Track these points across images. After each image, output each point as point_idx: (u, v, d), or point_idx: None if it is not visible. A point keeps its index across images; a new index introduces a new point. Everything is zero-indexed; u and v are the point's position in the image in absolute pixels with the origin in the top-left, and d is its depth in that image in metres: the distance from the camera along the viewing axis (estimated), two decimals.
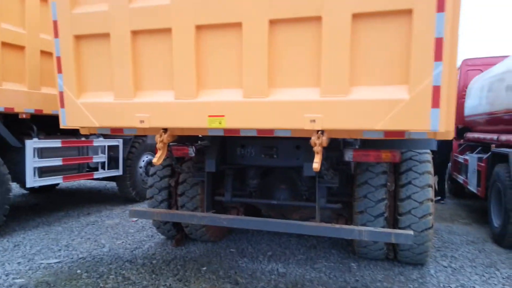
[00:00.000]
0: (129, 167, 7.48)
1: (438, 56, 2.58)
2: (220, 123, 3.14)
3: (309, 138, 3.04)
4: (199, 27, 3.09)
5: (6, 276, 3.97)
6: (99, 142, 6.81)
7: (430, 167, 4.19)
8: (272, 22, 2.91)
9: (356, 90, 2.82)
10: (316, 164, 3.03)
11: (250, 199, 4.76)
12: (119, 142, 7.16)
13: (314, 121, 2.90)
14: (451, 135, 2.99)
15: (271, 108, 3.01)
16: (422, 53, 2.61)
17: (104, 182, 10.08)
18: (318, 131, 3.02)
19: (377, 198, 4.08)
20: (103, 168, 6.98)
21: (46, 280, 3.87)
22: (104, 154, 6.96)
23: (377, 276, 4.11)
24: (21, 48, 5.49)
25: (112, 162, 7.17)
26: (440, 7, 2.53)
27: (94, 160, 6.76)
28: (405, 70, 2.69)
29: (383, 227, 4.01)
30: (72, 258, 4.54)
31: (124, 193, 7.68)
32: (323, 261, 4.55)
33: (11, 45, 5.34)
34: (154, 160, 3.55)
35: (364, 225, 4.04)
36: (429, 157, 4.29)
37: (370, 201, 4.10)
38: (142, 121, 3.35)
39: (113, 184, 8.99)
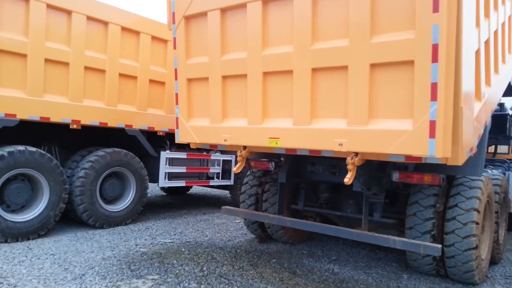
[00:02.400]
0: (240, 179, 8.92)
1: (433, 97, 3.24)
2: (276, 143, 4.21)
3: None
4: (265, 73, 4.24)
5: (136, 245, 5.62)
6: (215, 156, 8.40)
7: (478, 193, 4.53)
8: (314, 70, 3.90)
9: (373, 122, 3.61)
10: (347, 179, 3.85)
11: (319, 209, 5.65)
12: (232, 157, 8.67)
13: (341, 144, 3.76)
14: (460, 161, 3.53)
15: (312, 133, 3.97)
16: (421, 94, 3.30)
17: (226, 192, 11.82)
18: (353, 153, 3.85)
19: (425, 217, 4.60)
20: (218, 177, 8.54)
21: (160, 252, 5.37)
22: (219, 166, 8.52)
23: (420, 287, 4.59)
24: (134, 77, 6.92)
25: (226, 174, 8.71)
26: (434, 59, 3.21)
27: (211, 171, 8.37)
28: (410, 107, 3.40)
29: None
30: (181, 240, 6.04)
31: (235, 200, 9.14)
32: (378, 269, 5.16)
33: (129, 76, 6.84)
34: (234, 169, 4.78)
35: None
36: (480, 184, 4.62)
37: (418, 219, 4.64)
38: (225, 140, 4.62)
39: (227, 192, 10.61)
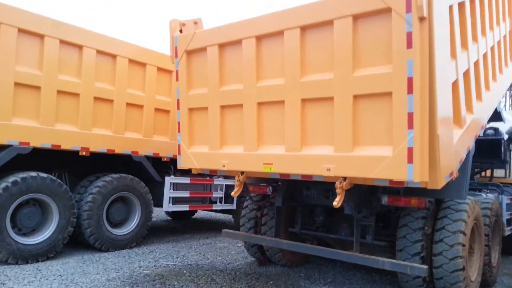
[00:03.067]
0: (242, 203, 9.15)
1: (410, 125, 3.53)
2: (270, 169, 4.50)
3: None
4: (259, 104, 4.57)
5: (139, 268, 5.85)
6: (218, 181, 8.68)
7: (464, 215, 4.74)
8: (303, 101, 4.22)
9: (357, 148, 3.89)
10: (336, 202, 4.10)
11: (315, 232, 5.86)
12: (234, 182, 8.92)
13: (329, 169, 4.04)
14: (439, 185, 3.77)
15: (303, 159, 4.25)
16: (399, 123, 3.59)
17: (229, 216, 12.01)
18: (341, 177, 4.12)
19: (414, 239, 4.79)
20: (220, 202, 8.79)
21: (163, 274, 5.60)
22: (222, 191, 8.78)
23: None
24: (141, 106, 7.32)
25: (229, 198, 8.95)
26: (410, 91, 3.51)
27: (214, 195, 8.63)
28: (390, 135, 3.68)
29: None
30: (183, 263, 6.26)
31: (238, 224, 9.32)
32: None
33: (135, 105, 7.23)
34: (232, 193, 5.07)
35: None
36: (466, 207, 4.83)
37: (408, 241, 4.83)
38: (224, 165, 4.92)
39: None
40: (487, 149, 8.09)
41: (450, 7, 4.07)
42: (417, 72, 3.47)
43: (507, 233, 6.99)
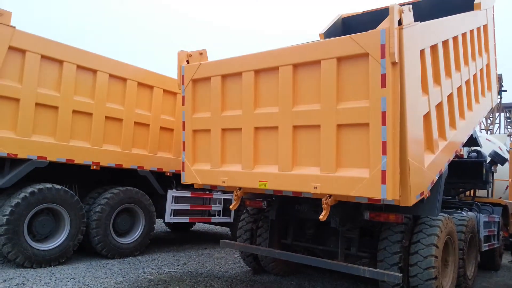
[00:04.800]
0: (239, 217, 9.70)
1: (384, 152, 4.14)
2: (265, 186, 5.09)
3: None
4: (256, 128, 5.19)
5: (143, 273, 6.39)
6: (217, 195, 9.24)
7: (437, 230, 5.32)
8: (294, 127, 4.84)
9: (340, 170, 4.50)
10: (321, 216, 4.70)
11: (305, 243, 6.42)
12: (232, 196, 9.49)
13: (316, 187, 4.63)
14: (410, 203, 4.37)
15: (293, 177, 4.85)
16: (375, 149, 4.20)
17: (226, 229, 12.54)
18: (327, 194, 4.71)
19: (393, 251, 5.36)
20: (219, 215, 9.34)
21: (165, 279, 6.14)
22: (221, 204, 9.33)
23: None
24: (147, 125, 7.92)
25: (227, 211, 9.49)
26: (384, 123, 4.13)
27: (213, 208, 9.18)
28: (367, 159, 4.29)
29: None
30: (184, 270, 6.80)
31: (235, 236, 9.85)
32: None
33: (142, 124, 7.87)
34: (230, 207, 5.66)
35: None
36: (439, 223, 5.41)
37: (387, 253, 5.40)
38: (223, 182, 5.51)
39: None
40: (470, 170, 8.69)
41: (422, 51, 4.71)
42: (389, 107, 4.10)
43: (484, 248, 7.55)
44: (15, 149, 6.17)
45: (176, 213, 8.45)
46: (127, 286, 5.62)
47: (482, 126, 25.45)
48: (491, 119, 26.52)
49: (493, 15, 8.14)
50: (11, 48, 6.08)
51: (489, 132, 24.95)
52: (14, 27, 6.08)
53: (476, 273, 7.18)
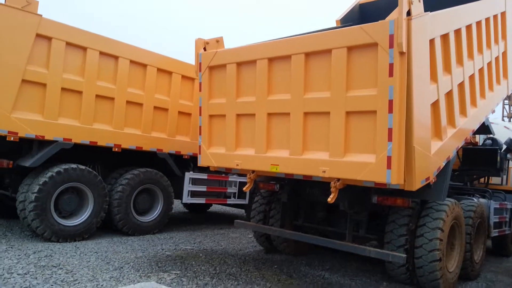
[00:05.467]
0: (253, 199, 10.00)
1: (390, 138, 4.32)
2: (276, 169, 5.34)
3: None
4: (269, 114, 5.41)
5: (162, 250, 6.78)
6: (233, 178, 9.53)
7: (443, 215, 5.49)
8: (305, 114, 5.04)
9: (347, 155, 4.70)
10: (330, 199, 4.93)
11: (316, 225, 6.68)
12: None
13: (324, 171, 4.86)
14: (414, 188, 4.56)
15: (303, 162, 5.08)
16: (381, 136, 4.38)
17: (242, 210, 12.91)
18: (335, 178, 4.93)
19: (399, 234, 5.57)
20: (234, 197, 9.65)
21: (182, 255, 6.50)
22: (236, 187, 9.63)
23: None
24: (166, 110, 8.28)
25: (242, 194, 9.80)
26: (390, 110, 4.30)
27: (228, 190, 9.50)
28: (373, 145, 4.48)
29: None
30: (199, 248, 7.17)
31: (249, 217, 10.20)
32: (363, 277, 6.13)
33: (162, 108, 8.22)
34: (244, 188, 5.93)
35: None
36: (446, 208, 5.58)
37: (394, 235, 5.61)
38: (237, 165, 5.78)
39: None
40: (484, 158, 8.75)
41: (431, 40, 4.82)
42: (396, 96, 4.26)
43: (493, 234, 7.68)
44: (43, 131, 6.56)
45: (193, 194, 8.80)
46: (146, 260, 6.00)
47: (505, 113, 24.96)
48: None
49: None
50: (38, 35, 6.42)
51: (511, 119, 24.49)
52: (40, 15, 6.40)
53: (485, 258, 7.33)
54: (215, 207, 13.47)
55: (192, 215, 11.69)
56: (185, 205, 12.07)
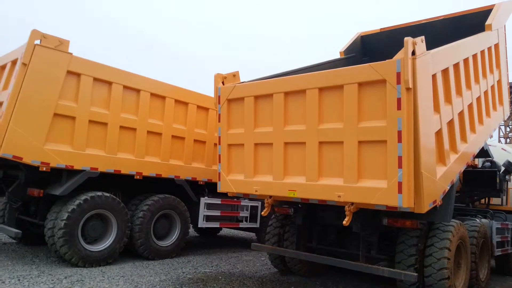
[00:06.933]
0: (264, 222, 10.36)
1: (400, 165, 4.77)
2: (294, 194, 5.76)
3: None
4: (285, 143, 5.88)
5: (183, 273, 7.12)
6: (244, 202, 9.92)
7: (450, 235, 5.89)
8: (320, 143, 5.51)
9: (361, 180, 5.14)
10: (345, 222, 5.33)
11: (329, 247, 7.05)
12: (258, 203, 10.16)
13: (339, 196, 5.29)
14: (423, 210, 4.98)
15: (319, 187, 5.51)
16: (392, 163, 4.83)
17: (251, 234, 13.22)
18: (349, 202, 5.35)
19: (409, 253, 5.94)
20: (246, 221, 10.02)
21: (202, 278, 6.85)
22: (248, 211, 10.01)
23: None
24: (183, 138, 8.77)
25: (253, 217, 10.17)
26: (399, 140, 4.76)
27: (241, 214, 9.87)
28: (385, 172, 4.92)
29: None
30: (218, 271, 7.51)
31: (260, 241, 10.52)
32: None
33: (179, 137, 8.73)
34: (262, 213, 6.34)
35: None
36: (452, 228, 5.98)
37: (404, 255, 5.99)
38: (256, 190, 6.20)
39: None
40: (484, 179, 9.17)
41: (434, 75, 5.33)
42: (404, 127, 4.73)
43: (497, 253, 8.04)
44: (72, 161, 7.01)
45: (208, 218, 9.17)
46: (171, 283, 6.34)
47: (501, 134, 25.58)
48: (510, 126, 26.66)
49: (505, 32, 8.66)
50: (69, 72, 6.94)
51: (508, 140, 25.09)
52: (71, 53, 6.94)
53: (490, 276, 7.67)
54: (225, 231, 13.79)
55: (203, 239, 12.00)
56: (199, 229, 12.38)
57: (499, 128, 24.96)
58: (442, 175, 5.54)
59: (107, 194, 7.36)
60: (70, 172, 7.17)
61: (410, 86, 4.71)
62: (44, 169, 6.73)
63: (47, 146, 6.75)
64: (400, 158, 4.78)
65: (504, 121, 22.94)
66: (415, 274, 5.38)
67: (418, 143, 4.87)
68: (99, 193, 7.26)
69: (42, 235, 7.28)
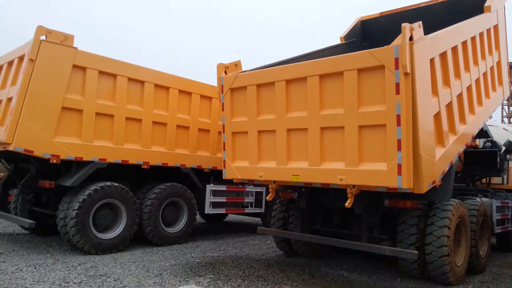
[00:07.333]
0: (269, 207, 10.58)
1: (399, 148, 4.93)
2: (297, 179, 5.95)
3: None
4: (288, 130, 6.04)
5: (192, 257, 7.37)
6: (249, 188, 10.14)
7: (449, 214, 6.08)
8: (322, 128, 5.67)
9: (362, 164, 5.32)
10: (347, 204, 5.53)
11: (332, 229, 7.27)
12: (263, 189, 10.37)
13: (341, 179, 5.47)
14: (422, 191, 5.16)
15: (322, 171, 5.69)
16: (391, 146, 5.00)
17: (257, 219, 13.48)
18: (351, 185, 5.54)
19: (410, 233, 6.15)
20: (251, 206, 10.24)
21: (211, 262, 7.09)
22: (253, 197, 10.23)
23: (408, 285, 6.11)
24: (187, 127, 8.96)
25: (258, 203, 10.39)
26: (398, 124, 4.92)
27: (246, 200, 10.09)
28: (385, 154, 5.09)
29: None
30: (225, 255, 7.76)
31: (266, 225, 10.74)
32: (379, 274, 6.70)
33: (183, 126, 8.91)
34: (267, 198, 6.55)
35: None
36: (451, 207, 6.16)
37: (405, 234, 6.19)
38: (260, 176, 6.39)
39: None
40: (484, 159, 9.33)
41: (432, 60, 5.45)
42: (403, 111, 4.88)
43: (497, 231, 8.24)
44: (81, 153, 7.22)
45: (214, 205, 9.40)
46: (181, 267, 6.59)
47: (504, 113, 25.58)
48: None
49: (504, 13, 8.71)
50: (74, 66, 7.10)
51: (511, 119, 25.10)
52: (76, 48, 7.08)
53: (490, 253, 7.88)
54: (231, 217, 14.06)
55: (210, 225, 12.28)
56: (204, 216, 12.63)
57: (502, 108, 24.94)
58: (441, 156, 5.70)
59: (116, 184, 7.57)
60: (79, 164, 7.37)
61: (408, 71, 4.84)
62: (55, 161, 6.94)
63: (57, 139, 6.95)
64: (399, 141, 4.94)
65: (508, 101, 22.98)
66: (416, 252, 5.60)
67: (416, 126, 5.03)
68: (108, 183, 7.47)
69: (54, 226, 7.53)
